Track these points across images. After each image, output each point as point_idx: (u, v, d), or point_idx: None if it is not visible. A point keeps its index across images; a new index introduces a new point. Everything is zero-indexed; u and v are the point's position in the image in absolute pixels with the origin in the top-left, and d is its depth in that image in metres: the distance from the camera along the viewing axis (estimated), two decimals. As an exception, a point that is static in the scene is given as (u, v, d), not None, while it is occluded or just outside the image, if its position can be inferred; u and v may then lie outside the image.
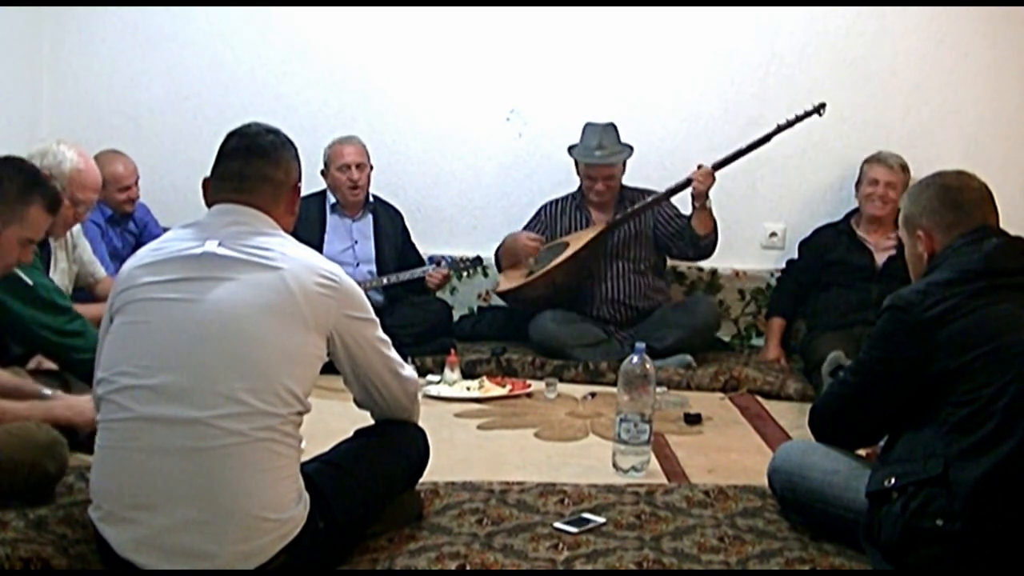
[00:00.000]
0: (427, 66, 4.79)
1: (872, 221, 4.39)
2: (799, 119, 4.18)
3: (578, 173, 4.48)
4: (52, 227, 3.34)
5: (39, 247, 3.34)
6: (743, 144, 4.21)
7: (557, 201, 4.58)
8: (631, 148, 4.41)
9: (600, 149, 4.36)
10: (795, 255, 4.59)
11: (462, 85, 4.80)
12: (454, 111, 4.81)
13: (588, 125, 4.41)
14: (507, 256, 4.51)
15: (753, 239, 4.72)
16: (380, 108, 4.81)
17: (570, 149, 4.45)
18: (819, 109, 4.19)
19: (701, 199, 4.22)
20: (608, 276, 4.41)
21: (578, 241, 4.36)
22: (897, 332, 2.22)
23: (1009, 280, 2.20)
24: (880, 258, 4.31)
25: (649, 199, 4.36)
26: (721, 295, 4.75)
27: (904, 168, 4.35)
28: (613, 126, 4.39)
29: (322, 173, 4.40)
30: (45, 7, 4.77)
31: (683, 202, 4.39)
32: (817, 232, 4.53)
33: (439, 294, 4.61)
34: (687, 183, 4.24)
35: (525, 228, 4.57)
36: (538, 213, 4.59)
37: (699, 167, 4.21)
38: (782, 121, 4.18)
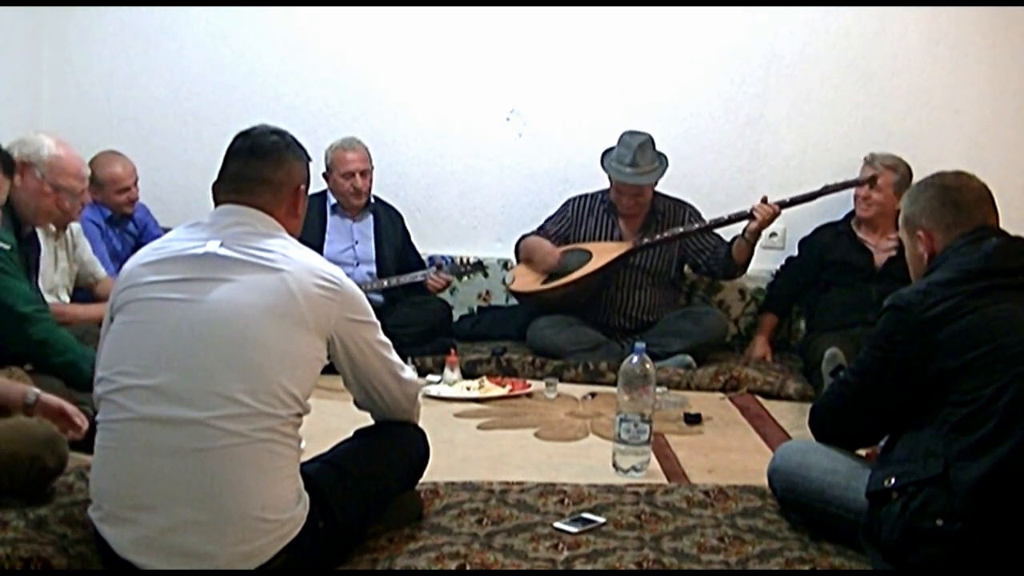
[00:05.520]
0: (428, 66, 4.79)
1: (861, 222, 4.40)
2: (847, 185, 4.24)
3: (610, 185, 4.41)
4: (38, 218, 3.34)
5: (29, 246, 3.34)
6: (789, 196, 4.20)
7: (585, 198, 4.51)
8: (666, 162, 4.32)
9: (633, 166, 4.24)
10: (795, 254, 4.59)
11: (462, 85, 4.80)
12: (454, 112, 4.81)
13: (624, 135, 4.30)
14: (525, 254, 4.49)
15: (753, 239, 4.72)
16: (381, 108, 4.81)
17: (603, 157, 4.35)
18: (871, 180, 4.27)
19: (756, 235, 4.15)
20: (626, 287, 4.38)
21: (603, 255, 4.30)
22: (897, 332, 2.22)
23: (1009, 280, 2.20)
24: (880, 258, 4.31)
25: (682, 229, 4.29)
26: (721, 295, 4.75)
27: (894, 168, 4.32)
28: (650, 140, 4.28)
29: (324, 176, 4.40)
30: (45, 7, 4.77)
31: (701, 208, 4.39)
32: (817, 231, 4.52)
33: (439, 294, 4.61)
34: (740, 217, 4.16)
35: (550, 221, 4.52)
36: (565, 208, 4.53)
37: (763, 201, 4.12)
38: (831, 183, 4.22)
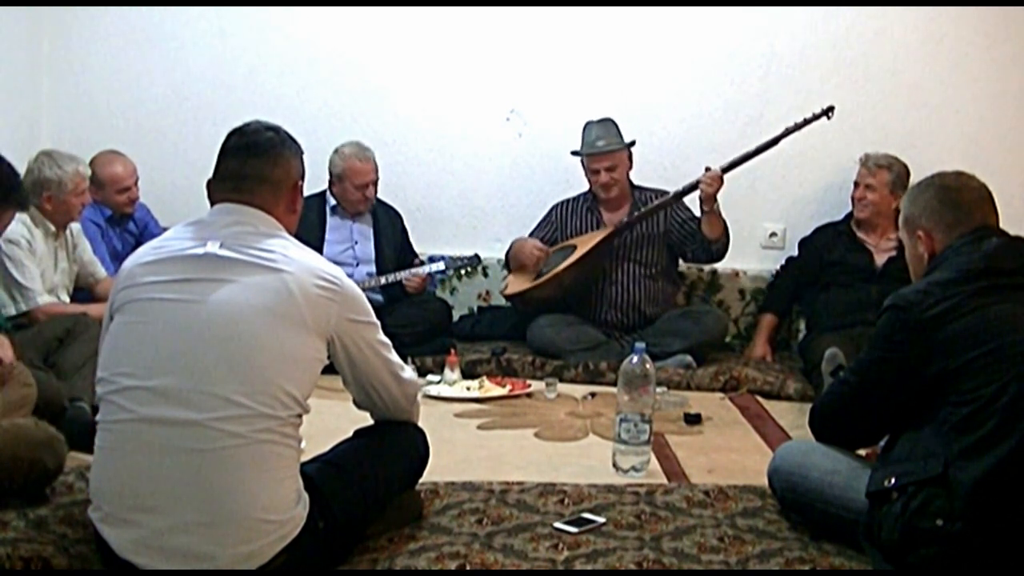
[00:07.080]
0: (427, 66, 4.80)
1: (859, 223, 4.40)
2: (807, 122, 4.16)
3: (587, 175, 4.45)
4: None
5: None
6: (751, 147, 4.19)
7: (568, 201, 4.55)
8: (632, 142, 4.39)
9: (599, 140, 4.34)
10: (795, 255, 4.59)
11: (462, 85, 4.80)
12: (454, 111, 4.82)
13: (587, 123, 4.40)
14: (514, 261, 4.50)
15: (753, 239, 4.72)
16: (380, 108, 4.81)
17: (574, 153, 4.42)
18: (827, 112, 4.17)
19: (709, 203, 4.16)
20: (618, 279, 4.39)
21: (586, 243, 4.33)
22: (898, 332, 2.22)
23: (1009, 280, 2.20)
24: (880, 259, 4.31)
25: (656, 202, 4.33)
26: (721, 295, 4.75)
27: (888, 167, 4.32)
28: (611, 120, 4.37)
29: (330, 183, 4.39)
30: (45, 7, 4.78)
31: (692, 201, 4.36)
32: (818, 231, 4.53)
33: (439, 294, 4.61)
34: (695, 186, 4.19)
35: (536, 228, 4.55)
36: (549, 214, 4.56)
37: (707, 169, 4.16)
38: (790, 124, 4.16)
